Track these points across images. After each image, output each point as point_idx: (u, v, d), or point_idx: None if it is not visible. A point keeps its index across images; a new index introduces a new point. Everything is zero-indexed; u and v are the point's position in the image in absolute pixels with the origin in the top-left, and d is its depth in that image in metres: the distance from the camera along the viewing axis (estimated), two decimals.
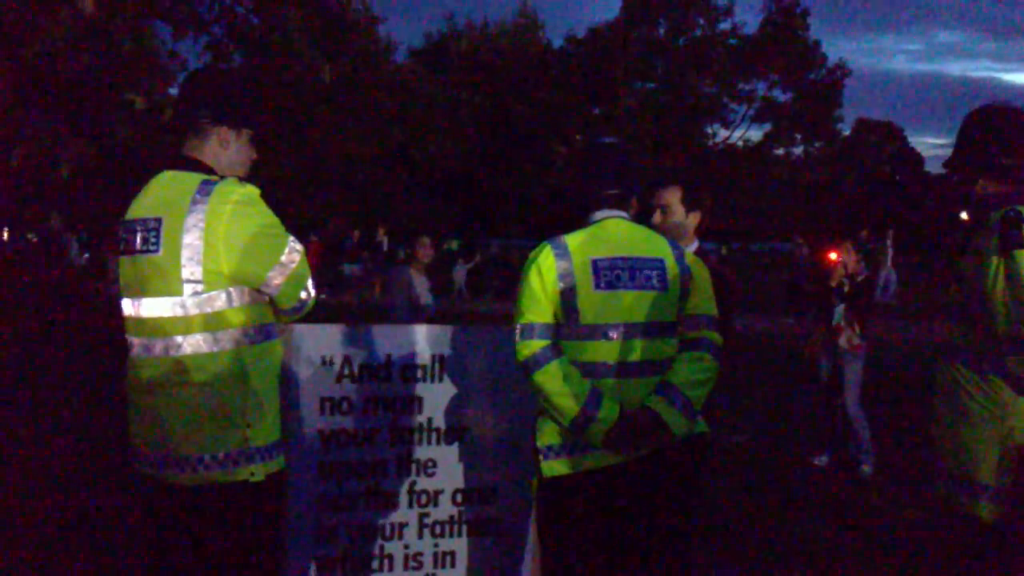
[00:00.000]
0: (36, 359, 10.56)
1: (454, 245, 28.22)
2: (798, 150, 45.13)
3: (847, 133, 47.12)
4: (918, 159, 52.08)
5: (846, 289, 7.15)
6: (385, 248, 20.67)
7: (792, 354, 11.82)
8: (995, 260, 2.68)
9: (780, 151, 45.03)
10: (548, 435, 3.05)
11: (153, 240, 2.70)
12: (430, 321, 6.33)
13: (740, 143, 44.70)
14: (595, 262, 3.02)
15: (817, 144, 44.74)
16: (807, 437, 7.76)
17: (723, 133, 44.67)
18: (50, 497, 5.56)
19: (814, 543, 5.36)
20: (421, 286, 6.73)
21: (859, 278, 7.18)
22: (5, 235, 28.23)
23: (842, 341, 7.08)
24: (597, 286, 2.99)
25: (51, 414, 7.70)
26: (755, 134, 44.65)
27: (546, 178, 38.41)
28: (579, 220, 3.21)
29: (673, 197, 3.93)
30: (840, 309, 7.12)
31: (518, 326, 3.03)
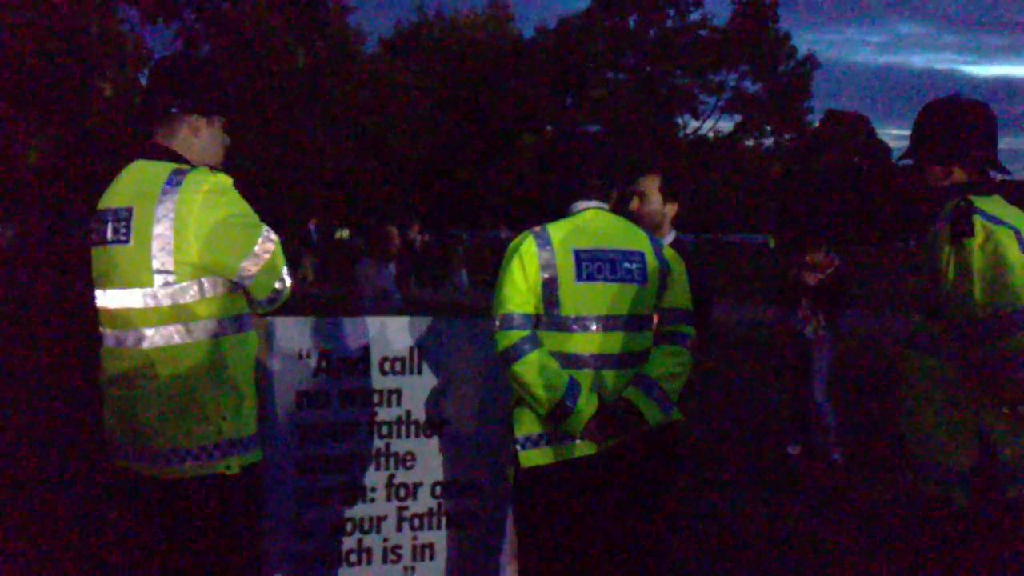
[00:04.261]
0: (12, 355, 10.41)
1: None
2: (768, 141, 45.41)
3: (816, 124, 47.44)
4: (885, 149, 52.63)
5: (813, 281, 7.20)
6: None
7: (765, 344, 11.91)
8: (947, 249, 2.70)
9: (750, 142, 45.29)
10: (526, 425, 3.04)
11: (124, 231, 2.65)
12: (399, 312, 6.29)
13: (711, 134, 44.92)
14: (577, 253, 3.01)
15: (787, 135, 45.04)
16: (781, 426, 7.81)
17: (694, 124, 44.86)
18: (37, 492, 5.49)
19: (788, 530, 5.41)
20: (386, 278, 6.70)
21: (827, 271, 7.23)
22: None
23: (808, 331, 7.15)
24: (579, 277, 2.98)
25: (28, 408, 7.59)
26: (725, 125, 44.93)
27: (516, 168, 38.40)
28: (558, 210, 3.19)
29: (652, 185, 3.93)
30: (806, 302, 7.19)
31: (498, 316, 3.01)
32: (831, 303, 7.19)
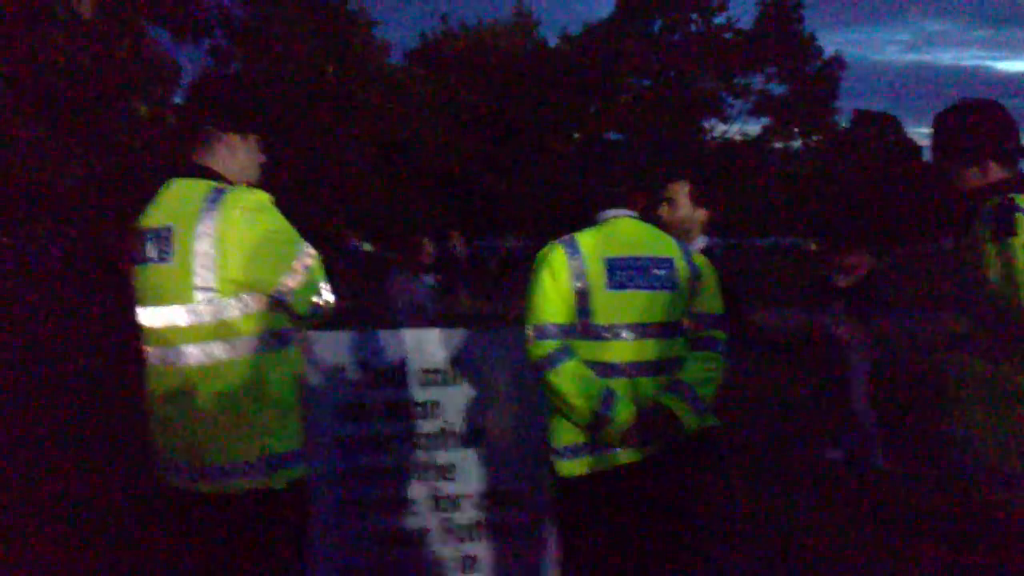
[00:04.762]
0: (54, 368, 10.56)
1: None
2: (796, 143, 45.09)
3: (845, 125, 47.05)
4: (914, 149, 52.10)
5: (844, 284, 7.14)
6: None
7: (800, 348, 11.80)
8: (990, 248, 2.66)
9: (779, 144, 45.00)
10: (562, 435, 3.04)
11: (165, 249, 2.67)
12: (435, 324, 6.28)
13: (738, 137, 44.70)
14: (607, 261, 3.01)
15: (815, 137, 44.71)
16: (820, 431, 7.73)
17: (721, 127, 44.65)
18: (83, 507, 5.55)
19: (831, 537, 5.34)
20: (419, 290, 6.67)
21: (860, 273, 7.16)
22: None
23: (844, 334, 7.08)
24: (610, 286, 2.98)
25: (70, 424, 7.68)
26: (753, 128, 44.66)
27: (544, 176, 38.40)
28: (586, 218, 3.19)
29: (681, 191, 3.93)
30: (839, 305, 7.13)
31: (531, 327, 3.01)
32: (865, 305, 7.11)
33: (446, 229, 20.23)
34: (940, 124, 3.01)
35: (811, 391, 9.15)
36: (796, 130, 44.13)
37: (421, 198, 35.74)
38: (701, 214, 3.94)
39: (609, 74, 41.54)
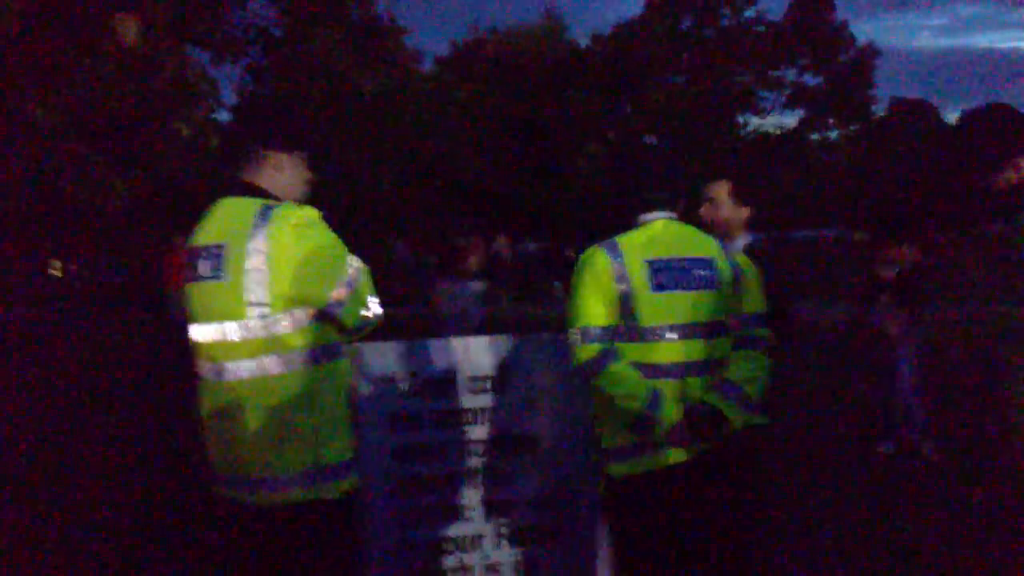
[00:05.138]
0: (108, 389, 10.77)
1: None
2: (833, 134, 44.65)
3: (881, 114, 46.44)
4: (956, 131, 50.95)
5: (890, 276, 7.08)
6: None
7: (846, 342, 11.70)
8: None
9: (815, 136, 44.58)
10: (611, 437, 3.07)
11: (217, 266, 2.73)
12: (480, 330, 6.31)
13: (774, 131, 44.35)
14: (650, 263, 3.02)
15: (852, 127, 44.23)
16: (870, 425, 7.66)
17: (756, 121, 44.32)
18: (139, 520, 5.66)
19: (882, 530, 5.30)
20: (466, 295, 6.66)
21: (905, 264, 7.09)
22: (59, 271, 28.82)
23: (891, 326, 7.02)
24: (653, 287, 3.00)
25: (128, 440, 7.84)
26: (789, 121, 44.30)
27: (578, 179, 38.32)
28: (626, 222, 3.21)
29: (721, 191, 3.93)
30: (886, 298, 7.07)
31: (575, 330, 3.03)
32: (912, 297, 7.05)
33: (492, 233, 20.07)
34: (960, 142, 3.03)
35: (859, 385, 9.08)
36: (832, 121, 43.71)
37: (459, 205, 35.82)
38: (743, 212, 3.95)
39: (641, 73, 41.40)
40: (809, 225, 41.29)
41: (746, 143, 42.28)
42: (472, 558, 3.51)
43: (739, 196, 3.92)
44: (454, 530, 3.49)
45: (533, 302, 20.85)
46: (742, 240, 3.87)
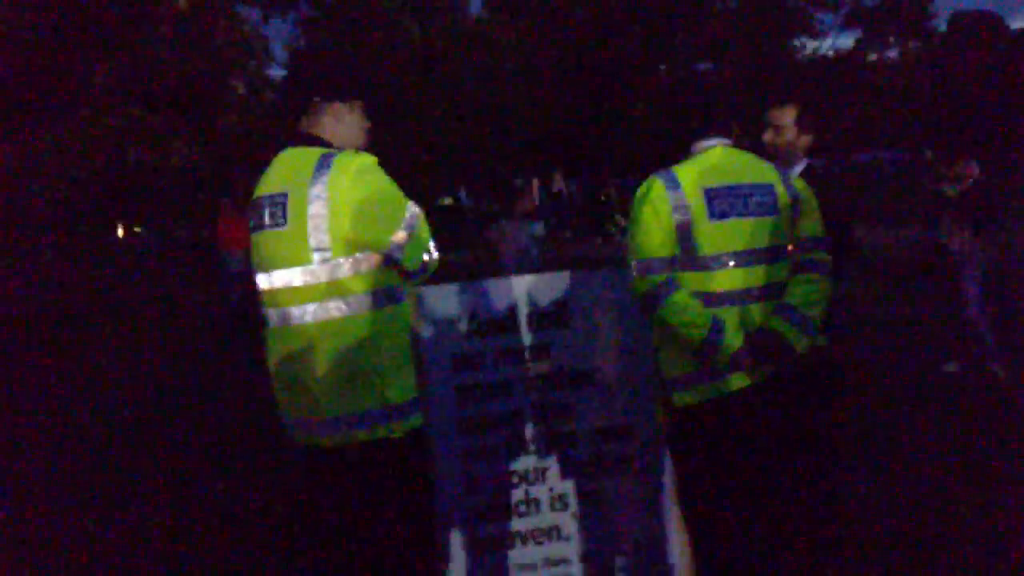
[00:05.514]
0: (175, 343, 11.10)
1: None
2: (893, 53, 43.23)
3: (943, 29, 44.82)
4: (1019, 44, 49.02)
5: (954, 194, 6.94)
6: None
7: (909, 262, 11.52)
8: None
9: (873, 56, 43.25)
10: (673, 366, 3.11)
11: (280, 215, 2.83)
12: (535, 271, 6.35)
13: (830, 53, 43.11)
14: (707, 191, 3.03)
15: (912, 44, 42.79)
16: (935, 345, 7.59)
17: (812, 44, 43.11)
18: (220, 465, 5.87)
19: (950, 451, 5.28)
20: (525, 236, 6.71)
21: (968, 181, 6.95)
22: (120, 231, 29.53)
23: (955, 245, 6.91)
24: (712, 216, 3.01)
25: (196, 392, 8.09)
26: (846, 41, 43.01)
27: (635, 113, 37.81)
28: (681, 151, 3.21)
29: (787, 116, 3.87)
30: (950, 216, 6.95)
31: (635, 262, 3.07)
32: (976, 214, 6.92)
33: (548, 172, 19.84)
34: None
35: (925, 305, 8.97)
36: (891, 39, 42.33)
37: (514, 147, 35.63)
38: (805, 139, 3.89)
39: (694, 2, 40.44)
40: (870, 148, 40.35)
41: (803, 66, 41.20)
42: (538, 490, 3.59)
43: (803, 122, 3.87)
44: (519, 464, 3.57)
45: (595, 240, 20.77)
46: (800, 166, 3.84)
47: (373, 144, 3.11)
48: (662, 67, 39.94)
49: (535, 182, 16.52)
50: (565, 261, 16.44)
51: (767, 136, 3.86)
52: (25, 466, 6.27)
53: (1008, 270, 7.51)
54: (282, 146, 2.99)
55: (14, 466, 6.29)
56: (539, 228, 16.43)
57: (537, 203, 16.14)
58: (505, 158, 33.55)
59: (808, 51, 42.96)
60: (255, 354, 3.33)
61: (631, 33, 39.62)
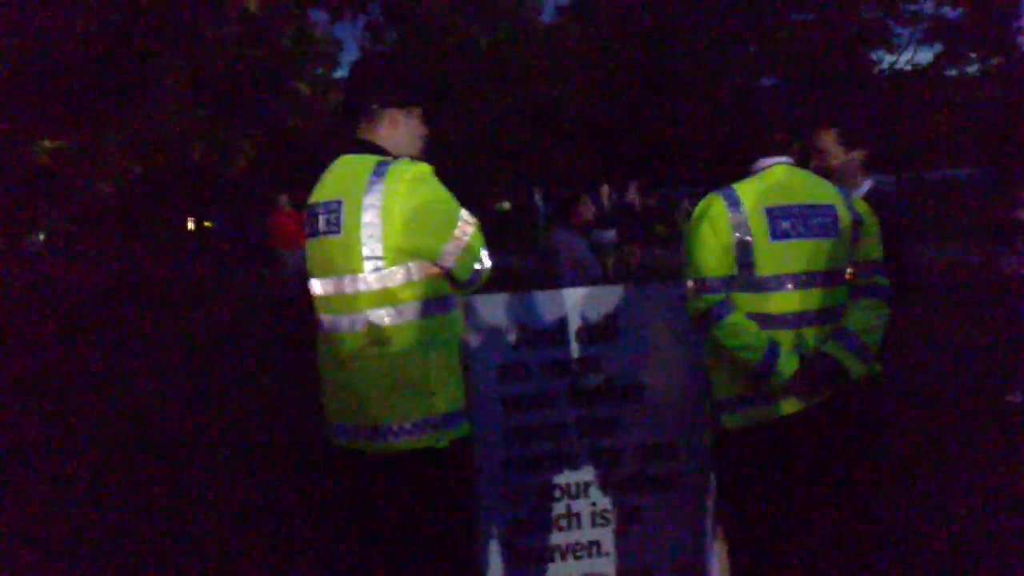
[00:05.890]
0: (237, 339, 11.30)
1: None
2: (973, 68, 42.15)
3: None
4: None
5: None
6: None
7: (979, 286, 11.24)
8: None
9: (953, 72, 42.24)
10: (725, 388, 3.06)
11: (335, 221, 2.84)
12: (596, 282, 6.32)
13: (908, 67, 42.24)
14: (769, 211, 2.97)
15: (995, 60, 41.70)
16: (1001, 374, 7.38)
17: (889, 59, 42.34)
18: (263, 469, 5.95)
19: (1012, 481, 5.13)
20: (582, 246, 6.65)
21: None
22: (191, 224, 30.20)
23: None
24: (773, 236, 2.95)
25: (249, 392, 8.22)
26: (925, 56, 42.12)
27: (703, 122, 37.51)
28: (743, 168, 3.17)
29: (828, 139, 3.78)
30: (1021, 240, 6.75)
31: (691, 281, 3.03)
32: None
33: (624, 180, 19.59)
34: None
35: (990, 331, 8.73)
36: (973, 55, 41.29)
37: (577, 154, 35.62)
38: (857, 155, 3.79)
39: (766, 11, 40.00)
40: (946, 165, 39.43)
41: (879, 81, 40.46)
42: (580, 505, 3.58)
43: (848, 140, 3.78)
44: (562, 478, 3.57)
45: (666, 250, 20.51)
46: (865, 186, 3.76)
47: (435, 147, 3.11)
48: (732, 74, 39.55)
49: (605, 189, 16.35)
50: (635, 270, 16.38)
51: (813, 163, 3.76)
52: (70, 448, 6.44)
53: None
54: (339, 152, 3.02)
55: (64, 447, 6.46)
56: (611, 236, 16.26)
57: (603, 211, 16.00)
58: (572, 164, 33.53)
59: (885, 65, 42.18)
60: (304, 356, 3.36)
61: (700, 40, 39.34)
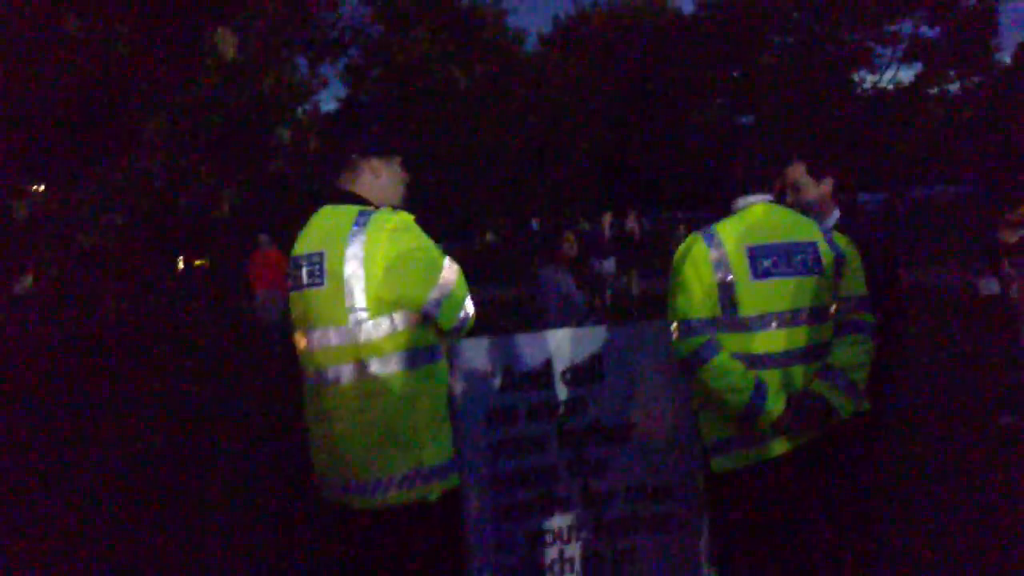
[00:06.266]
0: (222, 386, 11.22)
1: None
2: (954, 87, 42.55)
3: (1007, 61, 44.00)
4: None
5: (1012, 240, 6.75)
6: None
7: (966, 307, 11.27)
8: None
9: (934, 90, 42.62)
10: (713, 430, 3.04)
11: (318, 273, 2.83)
12: (581, 318, 6.27)
13: (890, 86, 42.62)
14: (750, 250, 2.97)
15: (975, 78, 42.10)
16: (991, 396, 7.36)
17: (871, 78, 42.67)
18: (250, 525, 5.89)
19: (1003, 504, 5.11)
20: (567, 283, 6.53)
21: None
22: (180, 264, 30.21)
23: (1013, 292, 6.72)
24: (754, 275, 2.94)
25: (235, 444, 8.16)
26: (906, 75, 42.48)
27: (688, 147, 37.74)
28: (725, 205, 3.17)
29: (799, 173, 3.79)
30: (1007, 263, 6.75)
31: (676, 323, 3.01)
32: None
33: (626, 208, 19.49)
34: None
35: (981, 353, 8.74)
36: (952, 73, 41.69)
37: (575, 183, 35.69)
38: (826, 185, 3.80)
39: (750, 36, 40.37)
40: (930, 182, 39.60)
41: (861, 101, 40.80)
42: (572, 549, 3.55)
43: (816, 171, 3.78)
44: (553, 522, 3.54)
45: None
46: (833, 217, 3.77)
47: (419, 184, 3.10)
48: (718, 101, 39.89)
49: (607, 217, 16.30)
50: (635, 299, 16.30)
51: (788, 199, 3.77)
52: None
53: None
54: (320, 203, 3.01)
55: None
56: (611, 265, 16.09)
57: (605, 241, 15.94)
58: (571, 193, 33.60)
59: (867, 85, 42.57)
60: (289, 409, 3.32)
61: (686, 66, 39.67)
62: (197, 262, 31.67)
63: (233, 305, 15.60)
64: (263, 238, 13.17)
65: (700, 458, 3.21)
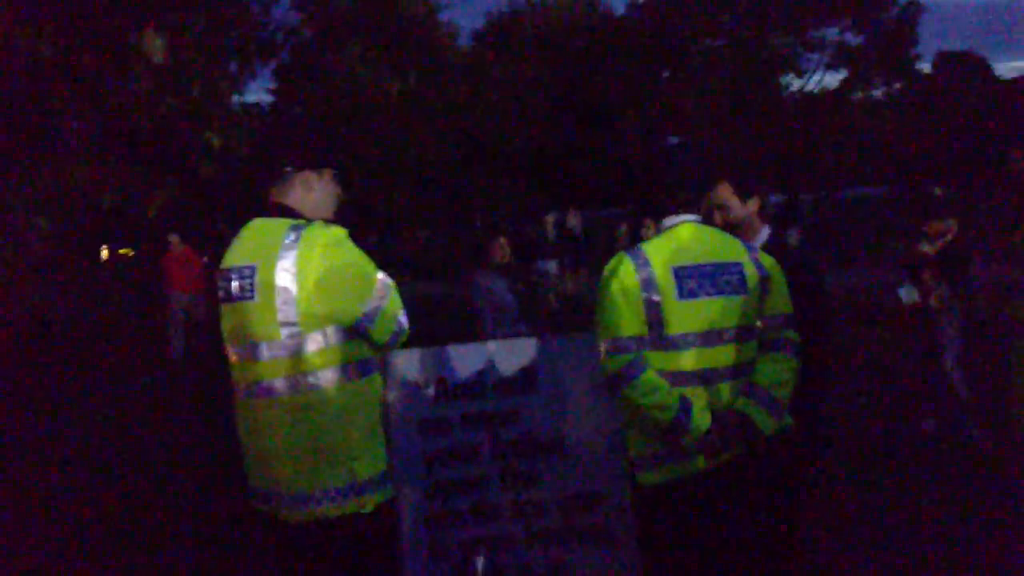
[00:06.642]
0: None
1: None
2: (878, 92, 43.61)
3: (928, 70, 45.25)
4: (1006, 87, 49.24)
5: (932, 251, 6.92)
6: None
7: (892, 317, 11.54)
8: None
9: (859, 95, 43.65)
10: (639, 445, 3.07)
11: (248, 287, 2.80)
12: (514, 323, 6.25)
13: (816, 91, 43.54)
14: (676, 270, 3.00)
15: (897, 85, 43.22)
16: (912, 402, 7.53)
17: (797, 83, 43.54)
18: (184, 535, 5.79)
19: (926, 512, 5.26)
20: (500, 289, 6.45)
21: (946, 238, 6.93)
22: (105, 253, 29.52)
23: (932, 301, 6.88)
24: (680, 295, 2.98)
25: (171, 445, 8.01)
26: (832, 81, 43.37)
27: (620, 148, 38.02)
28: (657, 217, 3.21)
29: (725, 193, 3.76)
30: (928, 273, 6.93)
31: (603, 341, 3.04)
32: (954, 272, 6.88)
33: (564, 208, 19.29)
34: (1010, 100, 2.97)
35: (902, 361, 8.96)
36: (876, 80, 42.76)
37: (507, 184, 35.62)
38: (753, 204, 3.80)
39: (679, 39, 40.85)
40: (860, 183, 40.35)
41: (788, 104, 41.59)
42: (505, 558, 3.58)
43: (742, 191, 3.77)
44: (486, 531, 3.57)
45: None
46: (763, 235, 3.80)
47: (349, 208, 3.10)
48: (647, 103, 40.25)
49: (550, 218, 16.20)
50: (579, 299, 16.33)
51: (716, 219, 3.73)
52: None
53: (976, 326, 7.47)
54: (250, 215, 2.99)
55: None
56: (552, 267, 15.87)
57: (547, 241, 15.88)
58: (510, 193, 33.53)
59: (794, 89, 43.41)
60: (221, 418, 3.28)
61: (616, 67, 39.99)
62: (122, 251, 30.90)
63: (158, 294, 15.33)
64: (174, 238, 12.87)
65: (628, 473, 3.26)
